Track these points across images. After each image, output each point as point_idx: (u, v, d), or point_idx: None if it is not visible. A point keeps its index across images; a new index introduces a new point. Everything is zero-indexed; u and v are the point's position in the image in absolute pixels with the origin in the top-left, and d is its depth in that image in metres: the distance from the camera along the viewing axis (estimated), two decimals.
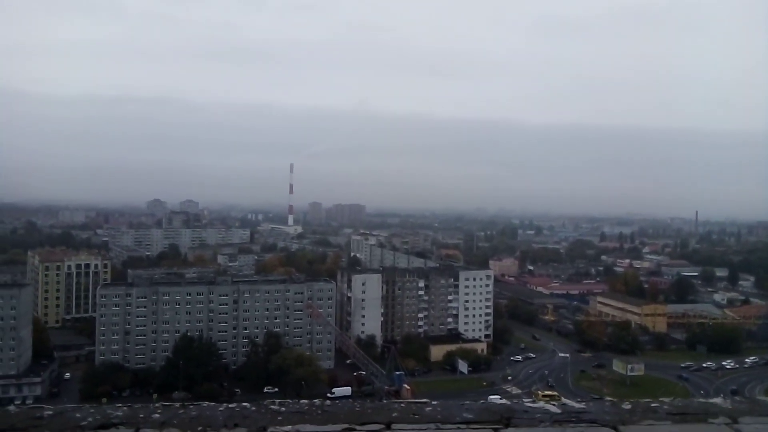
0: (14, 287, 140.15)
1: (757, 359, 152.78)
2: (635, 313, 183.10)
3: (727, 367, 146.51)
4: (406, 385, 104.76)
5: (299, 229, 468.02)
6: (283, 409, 3.46)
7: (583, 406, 3.36)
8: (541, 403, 3.45)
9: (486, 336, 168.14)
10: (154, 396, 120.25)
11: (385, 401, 3.62)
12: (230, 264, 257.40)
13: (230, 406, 3.45)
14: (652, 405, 3.48)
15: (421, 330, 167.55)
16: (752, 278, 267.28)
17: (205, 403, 3.59)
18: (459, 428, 3.09)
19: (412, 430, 3.08)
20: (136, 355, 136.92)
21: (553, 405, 3.39)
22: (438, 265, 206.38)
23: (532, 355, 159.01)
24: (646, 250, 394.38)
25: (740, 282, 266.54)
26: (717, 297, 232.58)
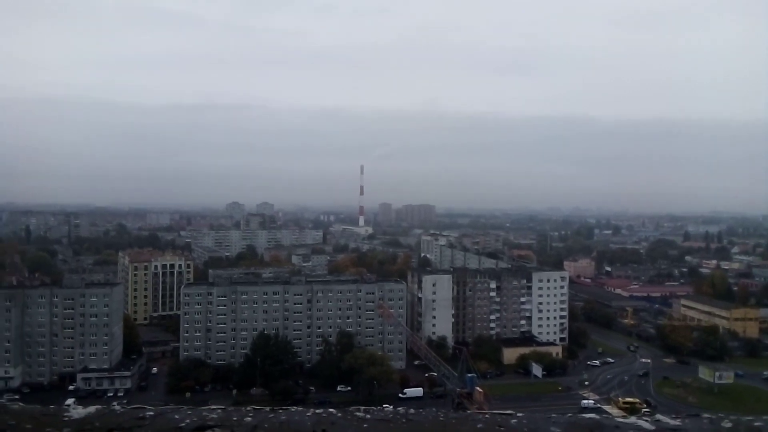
0: (107, 286, 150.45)
1: None
2: (723, 317, 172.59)
3: None
4: (478, 388, 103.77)
5: (370, 230, 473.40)
6: (369, 416, 3.51)
7: (678, 423, 3.23)
8: (633, 419, 3.37)
9: (561, 339, 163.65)
10: (234, 391, 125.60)
11: (469, 411, 3.67)
12: (304, 264, 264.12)
13: (317, 411, 3.54)
14: (756, 424, 3.27)
15: (493, 332, 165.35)
16: None
17: (294, 408, 3.91)
18: None
19: None
20: (217, 351, 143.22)
21: (646, 421, 3.29)
22: (510, 266, 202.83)
23: (611, 359, 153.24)
24: (735, 250, 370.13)
25: None
26: None
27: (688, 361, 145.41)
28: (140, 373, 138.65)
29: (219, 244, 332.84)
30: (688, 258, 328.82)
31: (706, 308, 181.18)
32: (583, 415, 3.40)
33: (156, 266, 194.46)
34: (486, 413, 3.48)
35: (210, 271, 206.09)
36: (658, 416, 3.31)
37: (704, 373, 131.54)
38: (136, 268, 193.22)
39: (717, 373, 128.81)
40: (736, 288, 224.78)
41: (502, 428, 3.22)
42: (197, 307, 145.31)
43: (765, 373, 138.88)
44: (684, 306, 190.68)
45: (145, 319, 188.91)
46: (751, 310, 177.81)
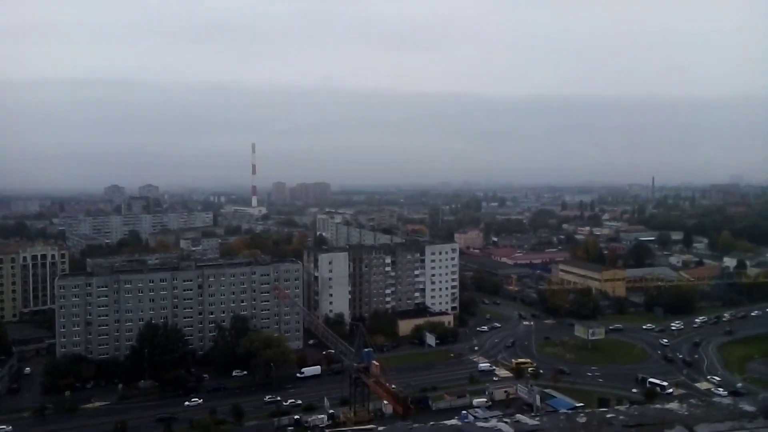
0: None
1: (706, 318, 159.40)
2: (596, 279, 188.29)
3: (676, 328, 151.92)
4: (375, 362, 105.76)
5: (263, 210, 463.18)
6: None
7: (537, 423, 3.21)
8: (493, 422, 3.28)
9: (453, 308, 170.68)
10: (120, 386, 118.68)
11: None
12: (193, 248, 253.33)
13: None
14: (608, 416, 3.32)
15: (389, 306, 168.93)
16: (705, 240, 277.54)
17: None
18: None
19: None
20: (99, 345, 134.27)
21: (506, 422, 3.24)
22: (404, 240, 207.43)
23: (498, 324, 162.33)
24: (605, 217, 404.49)
25: (694, 244, 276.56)
26: (673, 260, 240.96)
27: (566, 321, 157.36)
28: (11, 374, 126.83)
29: (98, 231, 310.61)
30: (565, 226, 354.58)
31: (581, 272, 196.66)
32: (445, 422, 3.32)
33: (25, 258, 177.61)
34: (346, 431, 3.37)
35: (88, 260, 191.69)
36: (518, 417, 3.26)
37: (580, 331, 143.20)
38: (0, 261, 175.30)
39: (590, 331, 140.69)
40: (606, 252, 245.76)
41: None
42: (74, 299, 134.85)
43: (644, 326, 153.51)
44: (562, 270, 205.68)
45: (14, 315, 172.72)
46: (619, 272, 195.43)
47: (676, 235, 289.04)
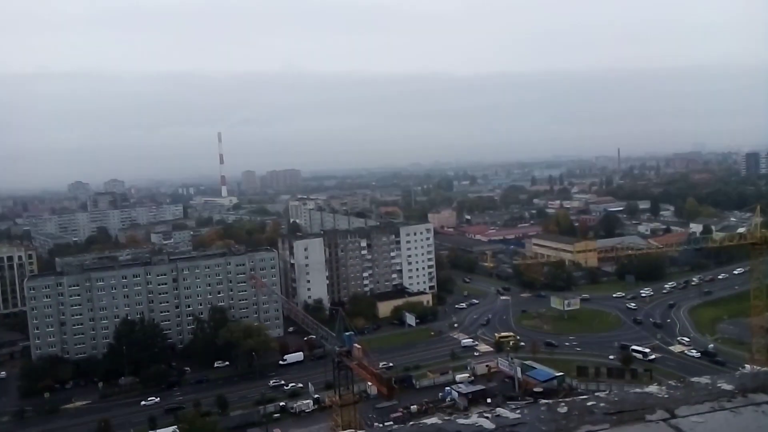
0: None
1: (674, 284, 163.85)
2: (568, 251, 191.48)
3: (647, 294, 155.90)
4: (356, 345, 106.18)
5: (234, 200, 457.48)
6: None
7: (517, 416, 3.15)
8: (474, 418, 3.20)
9: (430, 288, 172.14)
10: (100, 384, 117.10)
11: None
12: (165, 242, 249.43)
13: None
14: (589, 404, 3.30)
15: (367, 289, 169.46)
16: (672, 208, 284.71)
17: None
18: None
19: None
20: (76, 345, 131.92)
21: (487, 418, 3.17)
22: (378, 223, 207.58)
23: (476, 301, 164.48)
24: (574, 190, 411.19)
25: (661, 212, 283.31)
26: (641, 228, 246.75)
27: (542, 293, 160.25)
28: None
29: (64, 229, 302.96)
30: (536, 200, 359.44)
31: (554, 245, 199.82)
32: (425, 421, 3.25)
33: None
34: None
35: (57, 259, 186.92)
36: (498, 411, 3.22)
37: (555, 302, 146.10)
38: None
39: (566, 302, 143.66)
40: (577, 224, 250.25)
41: None
42: (46, 300, 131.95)
43: (614, 295, 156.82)
44: (535, 244, 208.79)
45: None
46: (590, 243, 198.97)
47: (644, 204, 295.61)
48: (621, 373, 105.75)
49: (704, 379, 3.57)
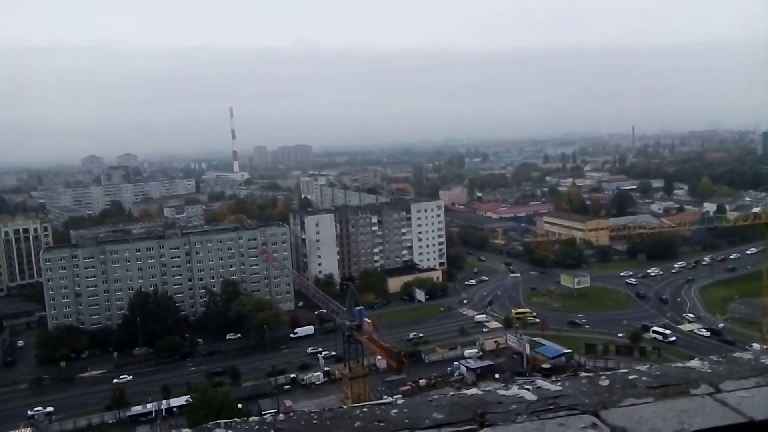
0: None
1: (684, 263, 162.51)
2: (579, 230, 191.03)
3: (656, 273, 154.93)
4: (366, 319, 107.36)
5: (246, 175, 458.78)
6: (229, 431, 2.88)
7: (558, 388, 3.16)
8: (515, 389, 3.21)
9: (440, 264, 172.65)
10: (115, 354, 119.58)
11: (344, 407, 3.26)
12: (178, 216, 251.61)
13: None
14: (630, 377, 3.27)
15: (377, 264, 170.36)
16: (685, 187, 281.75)
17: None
18: None
19: None
20: (91, 315, 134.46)
21: (527, 390, 3.17)
22: (389, 199, 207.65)
23: (485, 278, 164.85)
24: (587, 168, 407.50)
25: (675, 191, 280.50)
26: (654, 207, 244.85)
27: (552, 271, 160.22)
28: (4, 348, 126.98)
29: (78, 202, 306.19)
30: (548, 178, 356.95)
31: (565, 223, 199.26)
32: (465, 392, 3.21)
33: (7, 232, 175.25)
34: (364, 406, 3.10)
35: (72, 232, 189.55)
36: (539, 383, 3.21)
37: (565, 280, 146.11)
38: None
39: (576, 279, 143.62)
40: (589, 202, 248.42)
41: (381, 423, 2.87)
42: (61, 272, 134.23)
43: (621, 273, 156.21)
44: (546, 222, 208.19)
45: (2, 290, 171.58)
46: (602, 221, 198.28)
47: (657, 183, 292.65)
48: (629, 350, 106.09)
49: (747, 354, 3.56)
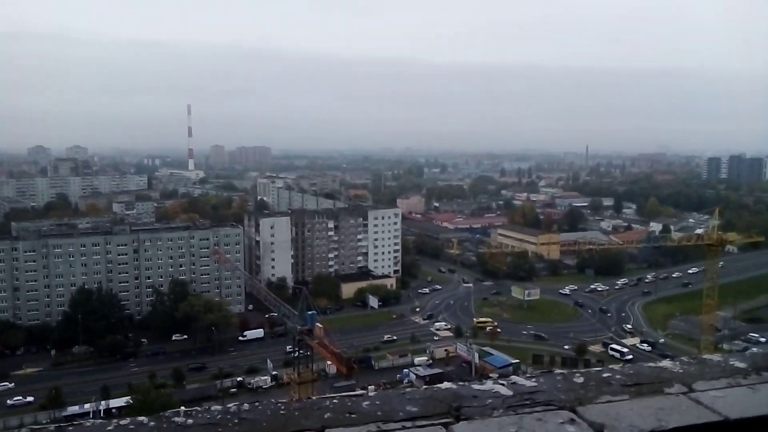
0: None
1: (626, 280, 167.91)
2: (532, 243, 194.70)
3: (602, 289, 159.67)
4: (318, 324, 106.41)
5: (201, 174, 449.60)
6: (191, 421, 2.70)
7: (534, 384, 3.13)
8: (489, 384, 3.15)
9: (395, 272, 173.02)
10: (52, 352, 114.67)
11: (314, 398, 3.11)
12: (127, 212, 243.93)
13: (122, 423, 2.77)
14: (604, 375, 3.28)
15: (332, 269, 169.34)
16: (634, 206, 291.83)
17: (89, 422, 3.03)
18: (404, 427, 2.67)
19: None
20: (29, 311, 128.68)
21: (502, 385, 3.12)
22: (347, 205, 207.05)
23: (438, 286, 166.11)
24: (542, 183, 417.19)
25: (624, 210, 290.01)
26: (603, 224, 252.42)
27: (504, 282, 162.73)
28: None
29: (22, 193, 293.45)
30: (503, 192, 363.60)
31: (518, 236, 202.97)
32: (439, 386, 3.16)
33: None
34: (334, 397, 3.00)
35: (13, 224, 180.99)
36: (514, 378, 3.17)
37: (516, 292, 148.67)
38: None
39: (526, 292, 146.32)
40: (542, 217, 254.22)
41: (353, 415, 2.74)
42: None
43: (566, 288, 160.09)
44: (500, 234, 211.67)
45: None
46: (554, 236, 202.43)
47: (608, 201, 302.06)
48: (574, 362, 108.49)
49: (716, 357, 3.60)
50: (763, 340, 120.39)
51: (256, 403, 2.82)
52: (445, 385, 3.17)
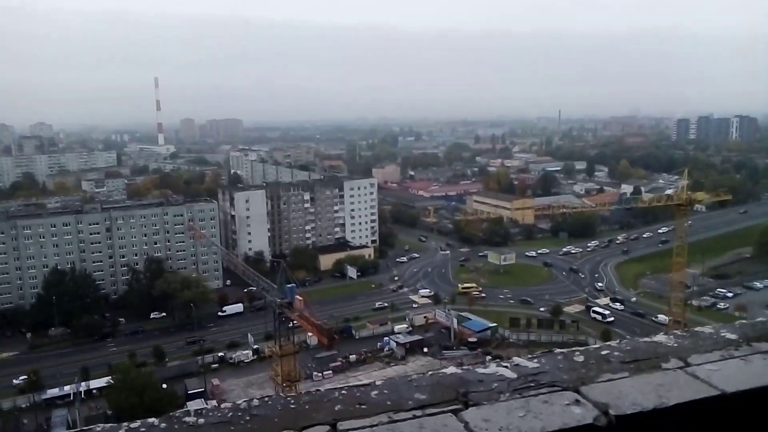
0: None
1: (598, 242, 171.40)
2: (507, 209, 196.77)
3: (576, 251, 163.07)
4: (298, 296, 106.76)
5: (171, 149, 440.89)
6: (202, 420, 2.66)
7: (536, 365, 3.16)
8: (493, 367, 3.17)
9: (372, 242, 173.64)
10: (28, 335, 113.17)
11: (323, 389, 3.11)
12: (97, 190, 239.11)
13: (132, 426, 2.66)
14: (603, 353, 3.32)
15: (309, 241, 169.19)
16: (606, 169, 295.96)
17: (99, 427, 2.94)
18: (415, 416, 2.67)
19: (363, 428, 2.59)
20: (1, 295, 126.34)
21: (506, 367, 3.15)
22: (322, 177, 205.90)
23: (416, 255, 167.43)
24: (515, 149, 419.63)
25: (596, 173, 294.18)
26: (576, 188, 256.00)
27: (480, 248, 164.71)
28: None
29: None
30: (478, 158, 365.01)
31: (493, 202, 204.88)
32: (444, 371, 3.17)
33: None
34: (343, 388, 2.98)
35: None
36: (516, 360, 3.21)
37: (492, 257, 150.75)
38: None
39: (502, 257, 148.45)
40: (516, 182, 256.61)
41: (363, 406, 2.74)
42: None
43: (527, 253, 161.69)
44: (476, 201, 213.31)
45: None
46: (528, 201, 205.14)
47: (580, 165, 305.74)
48: (550, 324, 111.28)
49: (707, 329, 3.65)
50: (730, 295, 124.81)
51: (266, 398, 2.82)
52: (450, 370, 3.17)
